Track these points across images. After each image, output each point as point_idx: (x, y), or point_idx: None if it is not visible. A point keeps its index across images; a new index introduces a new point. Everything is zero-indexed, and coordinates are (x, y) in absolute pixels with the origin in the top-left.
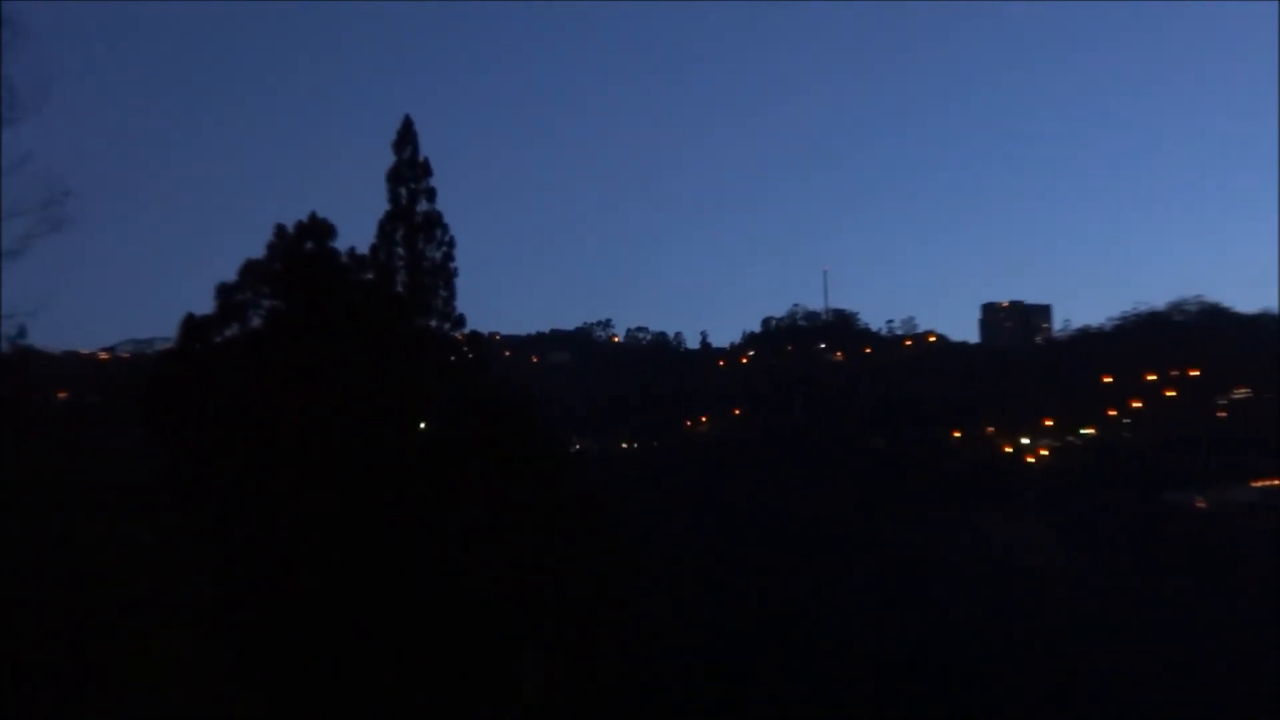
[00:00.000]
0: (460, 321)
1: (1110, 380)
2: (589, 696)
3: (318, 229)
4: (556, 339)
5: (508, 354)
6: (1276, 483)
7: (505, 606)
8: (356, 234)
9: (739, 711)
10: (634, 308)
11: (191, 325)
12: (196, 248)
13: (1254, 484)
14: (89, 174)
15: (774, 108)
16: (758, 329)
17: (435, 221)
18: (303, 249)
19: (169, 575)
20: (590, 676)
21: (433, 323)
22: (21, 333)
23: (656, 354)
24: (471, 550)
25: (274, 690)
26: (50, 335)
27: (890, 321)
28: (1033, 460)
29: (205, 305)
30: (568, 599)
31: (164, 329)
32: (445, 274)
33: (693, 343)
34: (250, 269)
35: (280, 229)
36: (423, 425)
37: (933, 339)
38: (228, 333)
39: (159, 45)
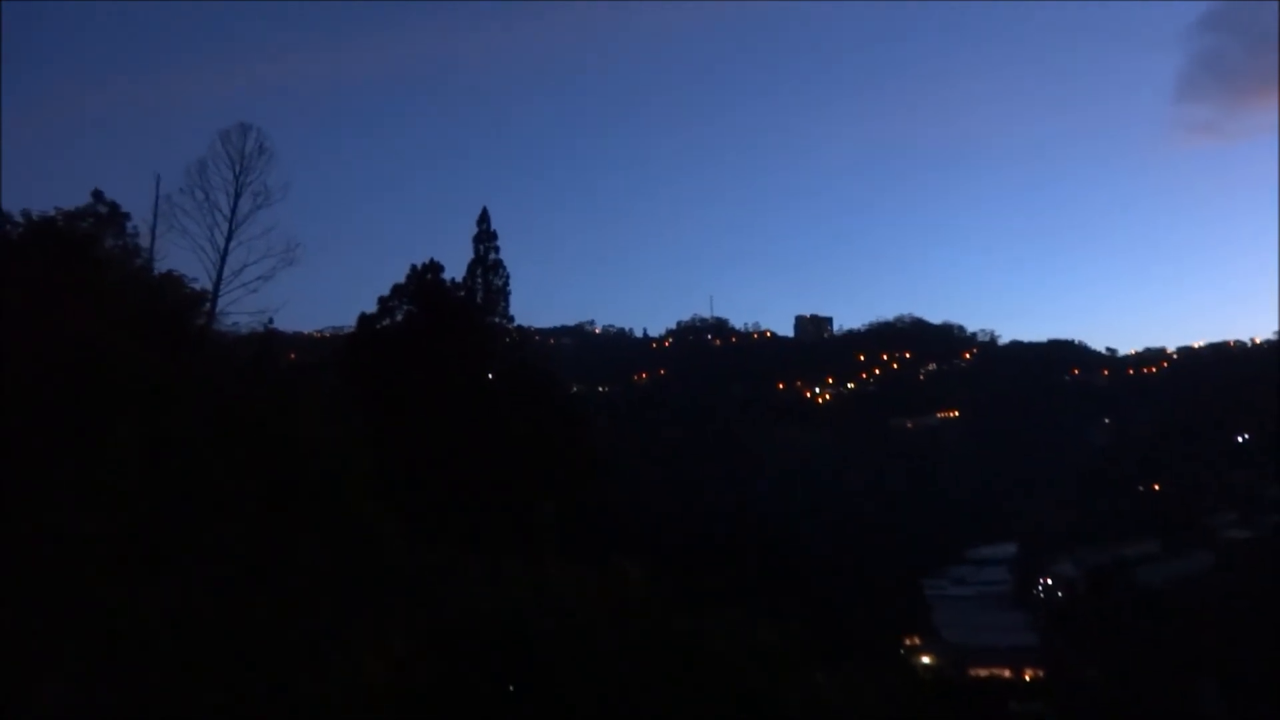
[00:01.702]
0: (511, 319)
1: (862, 358)
2: (577, 518)
3: (434, 267)
4: (564, 330)
5: (536, 338)
6: (951, 414)
7: (535, 470)
8: (454, 269)
9: (653, 519)
10: (609, 308)
11: (364, 319)
12: (365, 272)
13: (939, 414)
14: (307, 226)
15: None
16: (674, 326)
17: (499, 264)
18: (425, 278)
19: (352, 458)
20: (579, 507)
21: (496, 320)
22: (270, 321)
23: (618, 340)
24: (517, 439)
25: (415, 524)
26: (286, 322)
27: (747, 323)
28: (820, 401)
29: (371, 307)
30: (566, 465)
31: (349, 319)
32: (503, 294)
33: (639, 333)
34: (397, 289)
35: (413, 267)
36: (490, 376)
37: (769, 335)
38: (384, 323)
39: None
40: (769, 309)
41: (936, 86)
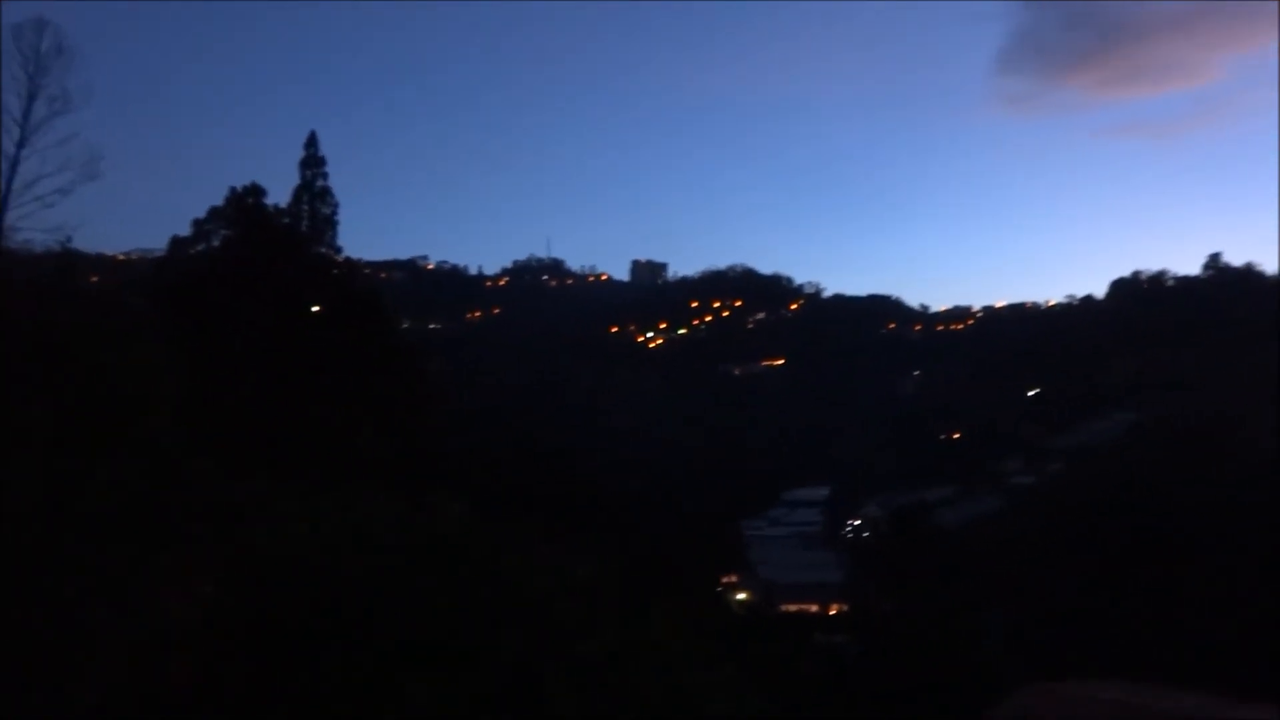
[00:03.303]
0: (339, 250)
1: (695, 305)
2: (402, 455)
3: (255, 191)
4: (396, 264)
5: (366, 271)
6: (776, 362)
7: (359, 405)
8: (278, 195)
9: (480, 457)
10: (443, 244)
11: (176, 242)
12: (180, 194)
13: (765, 362)
14: (114, 141)
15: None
16: (510, 265)
17: (327, 192)
18: (246, 202)
19: (158, 385)
20: (405, 444)
21: (322, 249)
22: (69, 239)
23: (452, 277)
24: (341, 372)
25: (229, 457)
26: (88, 242)
27: (584, 266)
28: (653, 346)
29: (184, 230)
30: (392, 401)
31: (159, 243)
32: (331, 223)
33: (473, 271)
34: (214, 211)
35: (233, 189)
36: (315, 307)
37: (605, 278)
38: (199, 248)
39: (176, 51)
40: (606, 252)
41: (769, 42)
